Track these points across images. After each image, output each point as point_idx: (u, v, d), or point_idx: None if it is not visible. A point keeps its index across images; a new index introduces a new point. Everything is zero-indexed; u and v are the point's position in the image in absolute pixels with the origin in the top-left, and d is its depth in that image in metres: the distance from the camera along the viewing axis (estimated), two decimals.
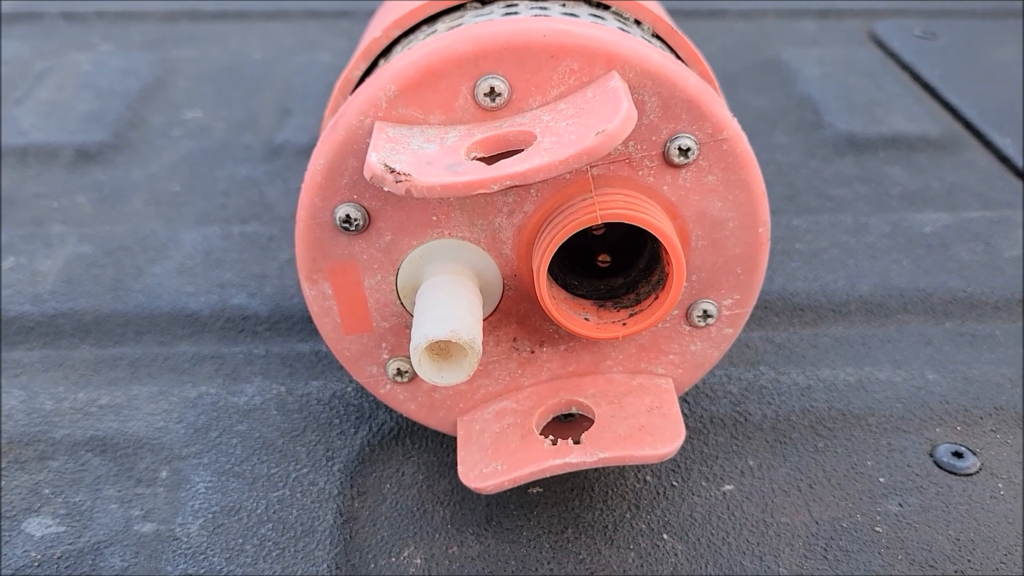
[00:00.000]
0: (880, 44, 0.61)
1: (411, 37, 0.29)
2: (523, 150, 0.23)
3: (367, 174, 0.22)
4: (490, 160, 0.23)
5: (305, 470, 0.30)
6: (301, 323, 0.36)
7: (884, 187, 0.46)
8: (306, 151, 0.48)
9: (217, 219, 0.43)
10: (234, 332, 0.36)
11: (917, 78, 0.56)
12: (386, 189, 0.22)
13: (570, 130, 0.23)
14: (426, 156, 0.23)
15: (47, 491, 0.30)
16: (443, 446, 0.31)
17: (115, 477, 0.30)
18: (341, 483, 0.30)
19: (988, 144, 0.50)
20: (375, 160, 0.22)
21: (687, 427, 0.32)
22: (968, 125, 0.51)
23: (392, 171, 0.22)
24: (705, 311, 0.28)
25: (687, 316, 0.28)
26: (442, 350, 0.24)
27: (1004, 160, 0.48)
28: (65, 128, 0.50)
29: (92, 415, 0.32)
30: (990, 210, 0.44)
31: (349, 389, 0.33)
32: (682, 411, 0.29)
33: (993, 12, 0.66)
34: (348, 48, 0.60)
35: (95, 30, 0.62)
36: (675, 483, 0.30)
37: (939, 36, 0.62)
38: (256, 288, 0.38)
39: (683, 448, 0.31)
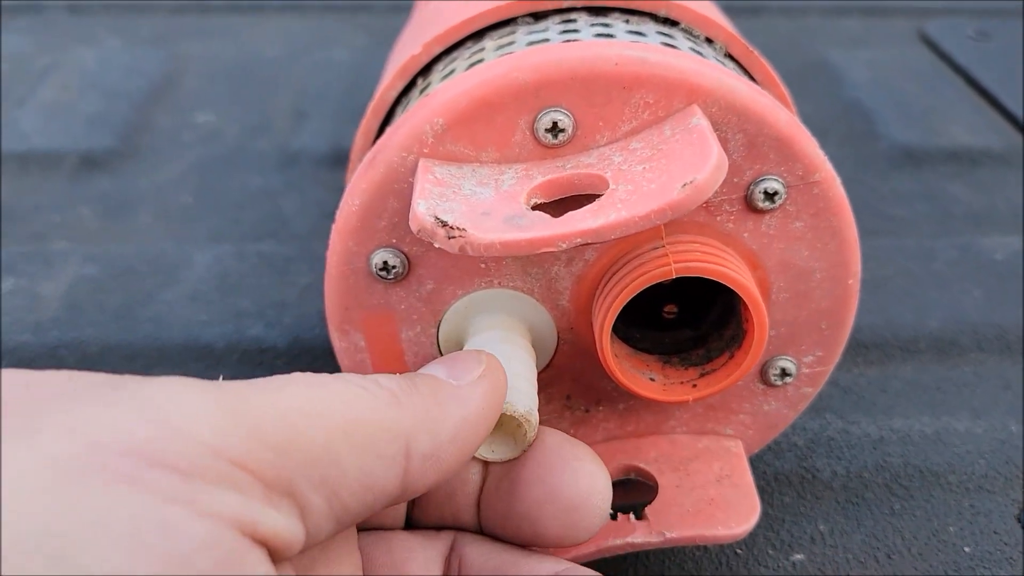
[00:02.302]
0: (931, 45, 0.57)
1: (454, 54, 0.26)
2: (590, 195, 0.20)
3: (414, 226, 0.19)
4: (553, 207, 0.20)
5: None
6: (323, 357, 0.34)
7: (947, 206, 0.43)
8: (324, 159, 0.45)
9: (231, 236, 0.40)
10: (251, 367, 0.33)
11: (973, 83, 0.53)
12: (437, 245, 0.19)
13: (648, 177, 0.19)
14: (481, 204, 0.20)
15: None
16: None
17: None
18: None
19: None
20: (423, 211, 0.19)
21: None
22: None
23: (444, 224, 0.19)
24: (783, 369, 0.25)
25: (763, 374, 0.25)
26: None
27: None
28: (69, 133, 0.47)
29: None
30: None
31: None
32: None
33: None
34: (366, 45, 0.57)
35: (101, 23, 0.59)
36: (739, 551, 0.27)
37: (992, 37, 0.59)
38: (274, 318, 0.35)
39: None
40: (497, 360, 0.20)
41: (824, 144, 0.50)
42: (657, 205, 0.18)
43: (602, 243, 0.22)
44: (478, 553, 0.21)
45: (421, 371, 0.19)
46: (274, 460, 0.15)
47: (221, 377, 0.18)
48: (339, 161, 0.45)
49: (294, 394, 0.16)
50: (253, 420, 0.15)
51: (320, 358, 0.34)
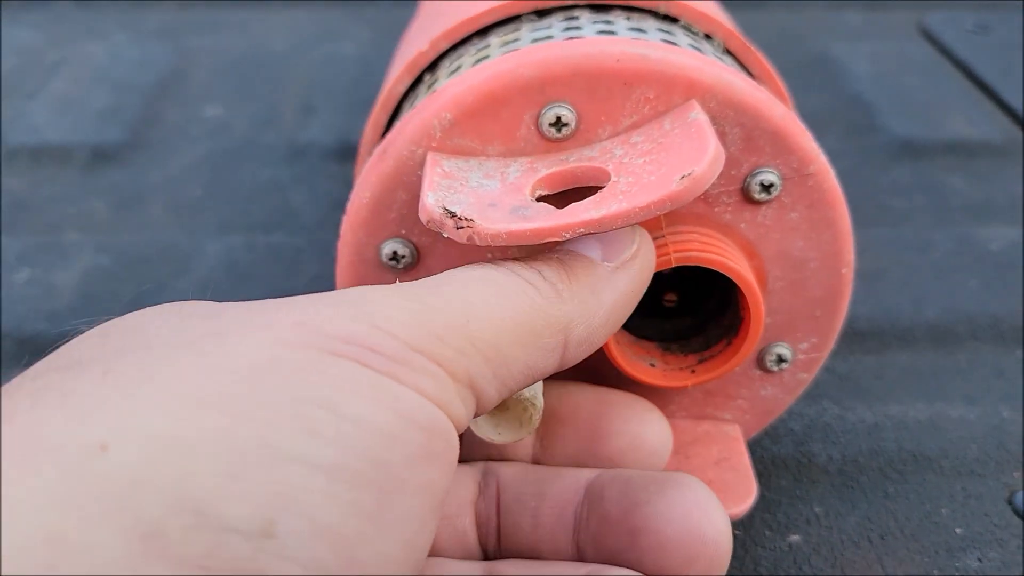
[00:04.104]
0: (931, 38, 0.58)
1: (460, 51, 0.26)
2: (592, 187, 0.21)
3: (423, 217, 0.20)
4: (557, 199, 0.21)
5: None
6: None
7: (945, 198, 0.43)
8: (332, 152, 0.46)
9: (240, 227, 0.41)
10: None
11: (972, 76, 0.54)
12: (445, 235, 0.20)
13: (648, 169, 0.20)
14: (487, 196, 0.21)
15: None
16: None
17: None
18: None
19: None
20: (432, 202, 0.20)
21: None
22: None
23: (452, 215, 0.20)
24: (779, 355, 0.25)
25: (759, 360, 0.26)
26: (500, 404, 0.22)
27: None
28: (80, 126, 0.47)
29: None
30: None
31: None
32: None
33: None
34: (372, 39, 0.57)
35: (108, 16, 0.59)
36: (737, 532, 0.28)
37: (992, 30, 0.59)
38: None
39: None
40: (647, 235, 0.21)
41: (825, 137, 0.50)
42: (657, 196, 0.19)
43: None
44: (513, 473, 0.23)
45: (576, 249, 0.20)
46: (456, 358, 0.17)
47: (397, 280, 0.20)
48: (347, 154, 0.45)
49: (467, 294, 0.18)
50: (437, 323, 0.17)
51: None
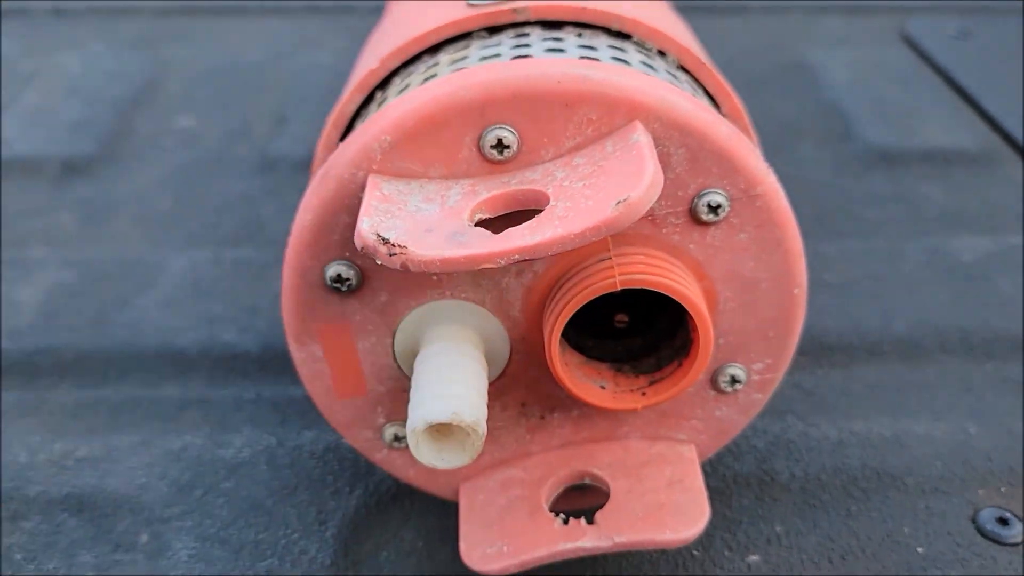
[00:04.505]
0: (912, 44, 0.58)
1: (411, 68, 0.26)
2: (532, 210, 0.21)
3: (358, 243, 0.20)
4: (497, 223, 0.21)
5: (296, 536, 0.28)
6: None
7: (919, 208, 0.43)
8: (302, 164, 0.46)
9: (207, 241, 0.40)
10: (223, 372, 0.34)
11: (952, 83, 0.53)
12: (379, 262, 0.19)
13: (587, 193, 0.20)
14: (425, 220, 0.20)
15: (19, 556, 0.27)
16: (444, 508, 0.29)
17: (92, 541, 0.28)
18: (334, 551, 0.28)
19: None
20: (366, 228, 0.20)
21: (708, 487, 0.29)
22: (1007, 137, 0.48)
23: (386, 242, 0.19)
24: (733, 376, 0.25)
25: (713, 381, 0.25)
26: (443, 429, 0.22)
27: None
28: (51, 138, 0.47)
29: (69, 469, 0.30)
30: None
31: (344, 442, 0.31)
32: (703, 469, 0.27)
33: None
34: (350, 48, 0.57)
35: (87, 27, 0.59)
36: (696, 552, 0.28)
37: (974, 35, 0.59)
38: (247, 323, 0.36)
39: None
40: None
41: (800, 145, 0.50)
42: (592, 223, 0.19)
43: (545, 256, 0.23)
44: None
45: None
46: None
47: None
48: None
49: None
50: None
51: (290, 364, 0.34)
